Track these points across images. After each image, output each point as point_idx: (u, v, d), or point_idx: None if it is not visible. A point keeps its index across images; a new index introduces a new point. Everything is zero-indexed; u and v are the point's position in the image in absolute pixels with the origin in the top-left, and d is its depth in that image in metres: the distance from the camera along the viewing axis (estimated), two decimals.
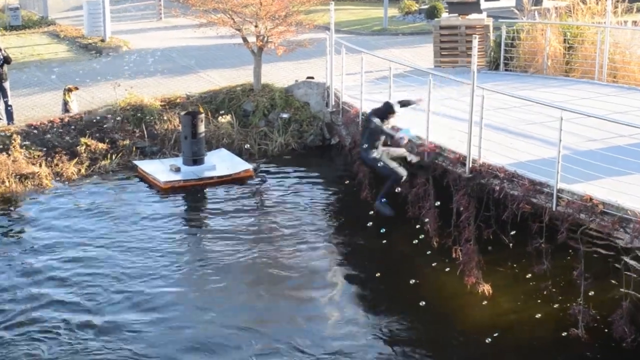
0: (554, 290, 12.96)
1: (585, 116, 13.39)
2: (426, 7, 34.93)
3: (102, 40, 29.72)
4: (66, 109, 21.71)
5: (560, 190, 12.05)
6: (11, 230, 16.80)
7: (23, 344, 12.44)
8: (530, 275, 13.13)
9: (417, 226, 14.99)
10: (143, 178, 19.34)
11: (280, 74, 24.56)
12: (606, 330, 11.97)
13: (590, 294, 12.36)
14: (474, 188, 13.75)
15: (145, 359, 12.10)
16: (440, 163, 14.58)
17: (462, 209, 13.85)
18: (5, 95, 20.87)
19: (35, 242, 16.01)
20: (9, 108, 20.94)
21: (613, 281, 12.52)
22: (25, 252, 15.63)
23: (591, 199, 11.62)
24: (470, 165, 13.66)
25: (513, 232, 13.28)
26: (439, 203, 14.74)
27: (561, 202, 12.05)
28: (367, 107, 17.66)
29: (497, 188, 13.11)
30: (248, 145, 20.97)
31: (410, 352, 12.38)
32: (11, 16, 33.96)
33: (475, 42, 13.53)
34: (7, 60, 20.92)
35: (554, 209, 12.15)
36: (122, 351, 12.26)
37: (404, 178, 14.19)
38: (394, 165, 14.19)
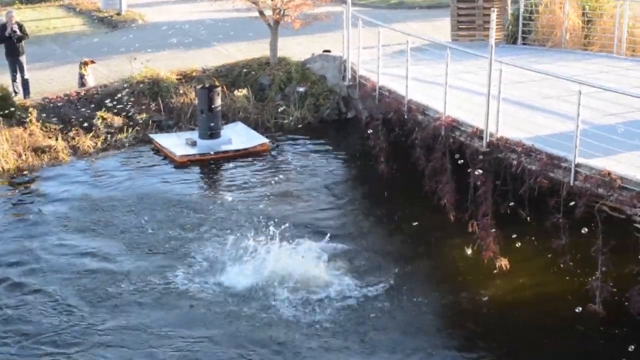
0: (571, 265, 12.90)
1: (603, 90, 13.30)
2: None
3: (118, 14, 29.75)
4: (82, 83, 21.76)
5: (578, 165, 11.93)
6: (28, 202, 16.92)
7: (31, 308, 12.68)
8: (547, 250, 13.08)
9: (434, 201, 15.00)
10: (159, 151, 19.36)
11: (296, 48, 24.46)
12: (623, 305, 11.85)
13: (607, 269, 12.31)
14: (491, 162, 13.67)
15: (158, 328, 12.18)
16: (457, 137, 14.52)
17: (479, 183, 13.78)
18: (22, 69, 20.95)
19: (51, 214, 16.11)
20: (25, 82, 21.00)
21: (631, 256, 12.44)
22: (40, 223, 15.73)
23: (609, 174, 11.51)
24: (488, 140, 13.58)
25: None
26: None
27: (579, 177, 11.94)
28: (384, 81, 17.64)
29: (515, 162, 13.02)
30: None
31: (427, 324, 12.39)
32: None
33: (494, 16, 13.43)
34: (23, 34, 20.95)
35: (571, 184, 12.06)
36: (133, 319, 12.36)
37: None
38: None
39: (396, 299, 13.08)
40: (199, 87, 20.33)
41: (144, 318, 12.40)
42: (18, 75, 21.13)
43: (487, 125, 13.55)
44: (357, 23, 19.14)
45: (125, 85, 21.38)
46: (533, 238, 13.96)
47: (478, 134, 13.89)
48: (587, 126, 12.56)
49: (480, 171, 13.61)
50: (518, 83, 16.03)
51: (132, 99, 21.01)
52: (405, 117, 16.27)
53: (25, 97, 20.81)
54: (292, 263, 13.70)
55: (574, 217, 12.29)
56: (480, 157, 13.75)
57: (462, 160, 14.19)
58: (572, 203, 12.10)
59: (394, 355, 11.60)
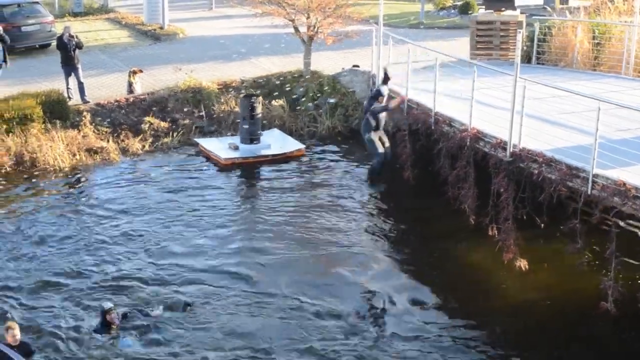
0: (586, 267, 13.08)
1: (617, 107, 13.45)
2: (460, 3, 34.83)
3: (161, 28, 29.92)
4: (131, 90, 22.04)
5: (595, 175, 12.09)
6: (84, 196, 17.41)
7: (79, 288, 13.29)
8: (564, 253, 13.24)
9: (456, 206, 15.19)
10: (204, 154, 19.63)
11: (326, 62, 24.62)
12: (634, 305, 12.00)
13: (620, 271, 12.45)
14: (513, 171, 13.83)
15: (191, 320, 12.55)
16: (481, 147, 14.67)
17: (501, 190, 13.92)
18: (77, 76, 21.22)
19: (104, 207, 16.60)
20: (81, 85, 21.26)
21: None
22: (95, 215, 16.20)
23: (624, 184, 11.66)
24: (511, 150, 13.74)
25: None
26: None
27: (596, 186, 12.09)
28: (411, 94, 17.81)
29: (536, 172, 13.17)
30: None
31: (448, 322, 12.55)
32: (74, 3, 34.37)
33: (519, 37, 13.59)
34: (79, 45, 21.29)
35: (589, 193, 12.20)
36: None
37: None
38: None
39: (418, 298, 13.25)
40: (241, 96, 20.53)
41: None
42: (72, 82, 21.39)
43: (511, 136, 13.71)
44: (386, 40, 19.32)
45: (170, 93, 21.63)
46: (549, 243, 14.17)
47: (501, 145, 14.04)
48: (603, 140, 12.66)
49: (505, 178, 13.78)
50: (536, 99, 16.11)
51: (177, 106, 21.25)
52: (432, 128, 16.43)
53: (82, 101, 21.08)
54: None
55: (590, 223, 12.48)
56: (504, 166, 13.92)
57: (487, 169, 14.35)
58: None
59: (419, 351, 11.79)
